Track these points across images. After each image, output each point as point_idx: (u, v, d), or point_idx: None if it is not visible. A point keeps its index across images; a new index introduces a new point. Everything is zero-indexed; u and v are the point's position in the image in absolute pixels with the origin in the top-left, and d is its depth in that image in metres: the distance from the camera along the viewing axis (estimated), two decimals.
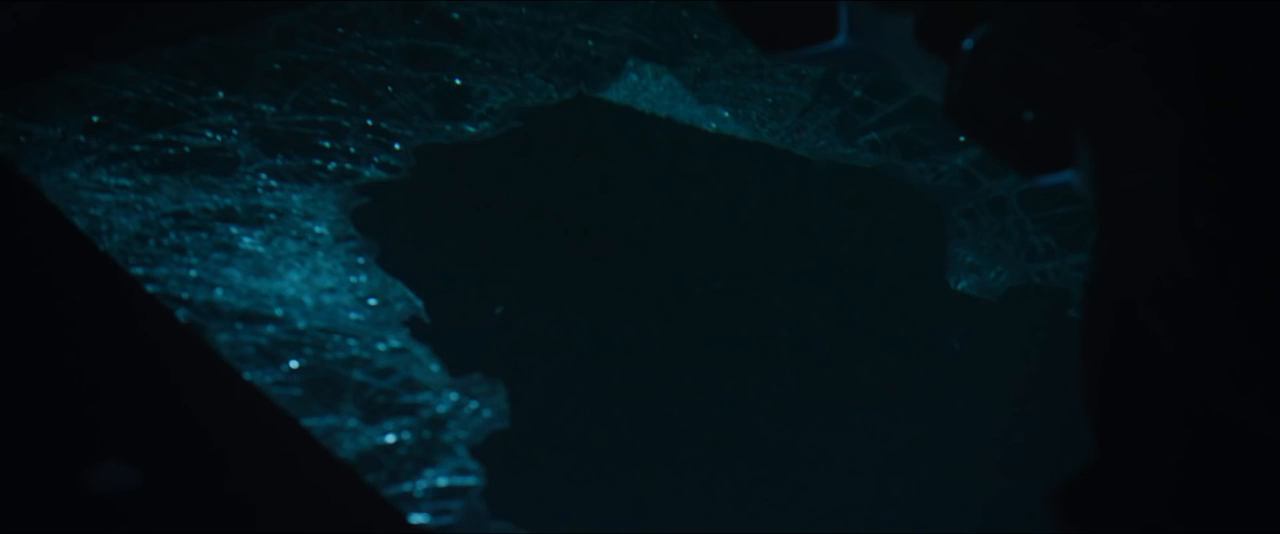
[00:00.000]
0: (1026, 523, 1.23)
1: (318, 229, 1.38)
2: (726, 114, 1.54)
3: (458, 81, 1.53)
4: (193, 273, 1.32)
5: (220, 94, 1.47)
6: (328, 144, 1.46)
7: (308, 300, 1.32)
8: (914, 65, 1.14)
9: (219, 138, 1.44)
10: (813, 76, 1.57)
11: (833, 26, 1.17)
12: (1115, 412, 0.97)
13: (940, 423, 1.33)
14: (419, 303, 1.34)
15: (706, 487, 1.26)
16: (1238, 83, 0.93)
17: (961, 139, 1.50)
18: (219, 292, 1.31)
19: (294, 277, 1.33)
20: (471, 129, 1.50)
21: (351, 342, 1.29)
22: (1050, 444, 1.32)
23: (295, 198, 1.40)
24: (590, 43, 1.58)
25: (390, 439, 1.22)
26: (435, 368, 1.28)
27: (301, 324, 1.30)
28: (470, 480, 1.20)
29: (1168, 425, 0.94)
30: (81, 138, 1.40)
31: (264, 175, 1.41)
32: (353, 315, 1.31)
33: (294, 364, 1.26)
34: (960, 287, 1.44)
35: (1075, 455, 1.06)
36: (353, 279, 1.35)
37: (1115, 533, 0.99)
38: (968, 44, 1.10)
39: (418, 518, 1.17)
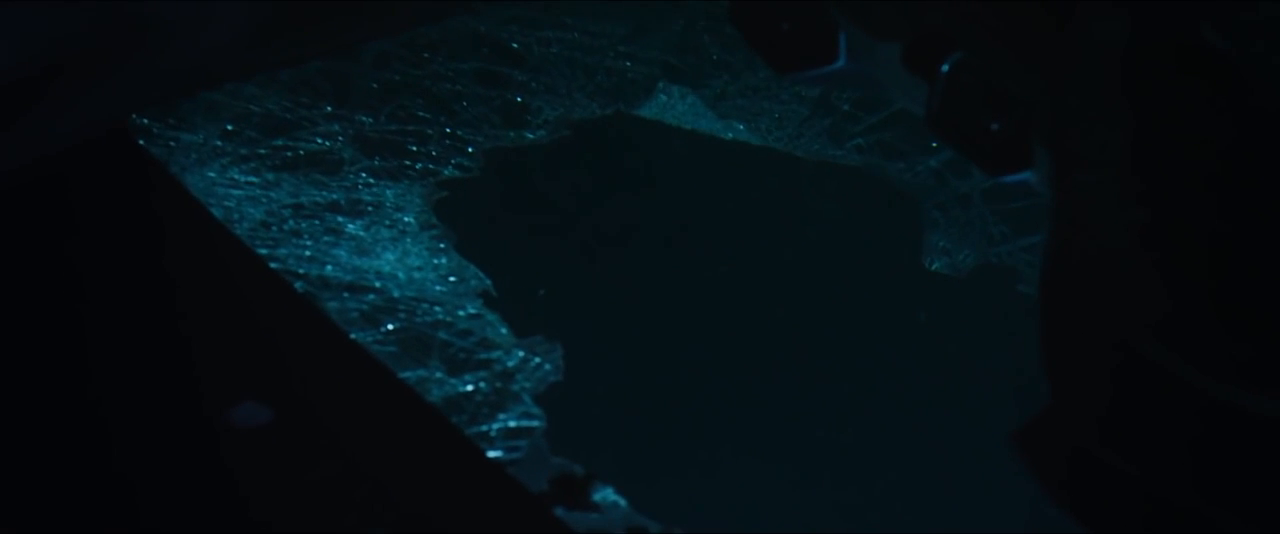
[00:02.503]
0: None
1: (406, 219, 1.40)
2: (742, 127, 1.55)
3: (519, 98, 1.54)
4: (307, 253, 1.34)
5: (328, 108, 1.48)
6: (414, 148, 1.47)
7: (401, 276, 1.33)
8: (900, 84, 1.16)
9: (327, 143, 1.45)
10: (810, 95, 1.58)
11: (834, 52, 1.19)
12: (1066, 363, 0.99)
13: (908, 389, 1.34)
14: (489, 281, 1.35)
15: (722, 452, 1.27)
16: (1161, 101, 0.95)
17: (934, 145, 1.51)
18: (329, 268, 1.32)
19: (389, 257, 1.35)
20: (530, 136, 1.52)
21: (437, 309, 1.31)
22: (1002, 397, 1.33)
23: (388, 193, 1.42)
24: (628, 64, 1.59)
25: (469, 388, 1.24)
26: (505, 331, 1.30)
27: (396, 294, 1.31)
28: (535, 423, 1.22)
29: (1108, 374, 0.96)
30: (218, 143, 1.41)
31: (363, 174, 1.43)
32: (437, 288, 1.33)
33: (390, 326, 1.28)
34: (934, 267, 1.45)
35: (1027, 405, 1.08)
36: (435, 261, 1.36)
37: (1063, 468, 1.01)
38: (945, 68, 1.13)
39: (493, 453, 1.19)
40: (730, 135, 1.56)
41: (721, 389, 1.31)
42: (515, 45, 1.59)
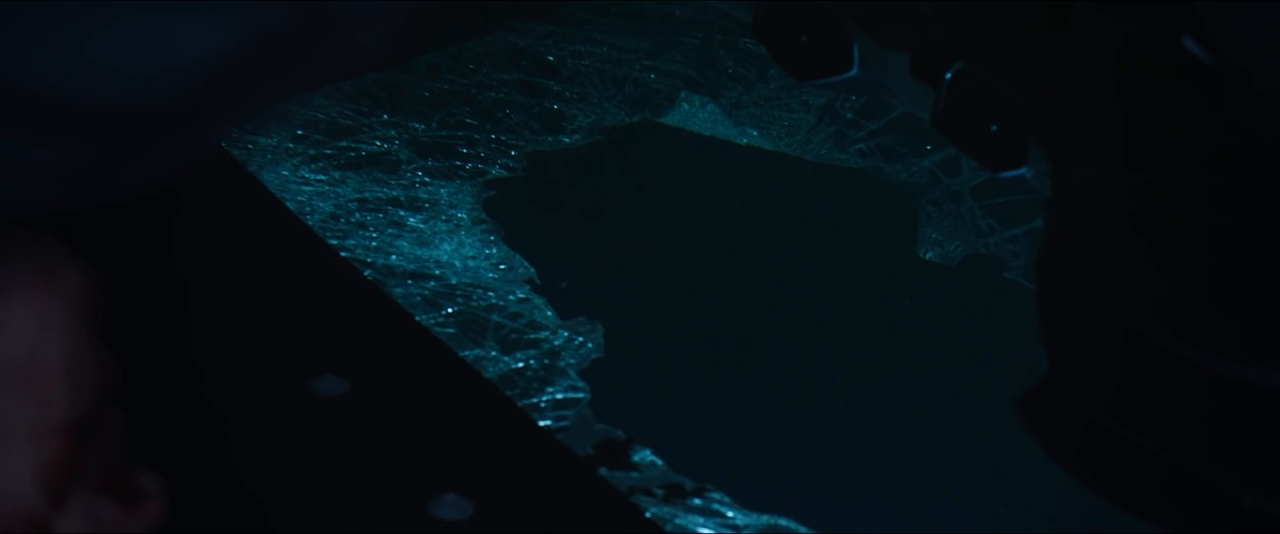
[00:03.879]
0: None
1: (459, 215, 1.42)
2: (755, 133, 1.57)
3: (555, 106, 1.56)
4: (373, 243, 1.35)
5: (385, 115, 1.50)
6: (464, 150, 1.49)
7: (457, 264, 1.35)
8: (908, 91, 1.18)
9: (385, 146, 1.47)
10: (816, 104, 1.60)
11: (848, 62, 1.20)
12: (1064, 338, 1.01)
13: (907, 364, 1.35)
14: (534, 270, 1.37)
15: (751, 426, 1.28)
16: (1149, 105, 0.97)
17: (928, 148, 1.53)
18: (393, 257, 1.34)
19: (446, 247, 1.37)
20: (567, 140, 1.53)
21: (490, 294, 1.32)
22: (990, 370, 1.35)
23: (442, 191, 1.44)
24: (652, 76, 1.61)
25: (520, 365, 1.26)
26: (550, 313, 1.32)
27: (454, 281, 1.33)
28: (579, 395, 1.24)
29: (1103, 347, 0.98)
30: (290, 145, 1.43)
31: (419, 174, 1.45)
32: (489, 275, 1.35)
33: (450, 309, 1.30)
34: (928, 256, 1.47)
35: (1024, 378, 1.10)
36: (487, 251, 1.38)
37: (1064, 431, 1.02)
38: (948, 75, 1.14)
39: (544, 422, 1.21)
40: (745, 140, 1.58)
41: (742, 362, 1.33)
42: (551, 58, 1.61)
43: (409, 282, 1.32)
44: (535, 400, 1.22)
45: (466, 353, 1.25)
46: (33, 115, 0.34)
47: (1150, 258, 0.93)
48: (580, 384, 1.24)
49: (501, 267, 1.36)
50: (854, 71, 1.19)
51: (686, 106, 1.59)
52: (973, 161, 1.16)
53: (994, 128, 1.12)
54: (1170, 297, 0.93)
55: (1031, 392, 1.01)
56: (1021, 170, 1.13)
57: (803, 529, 1.16)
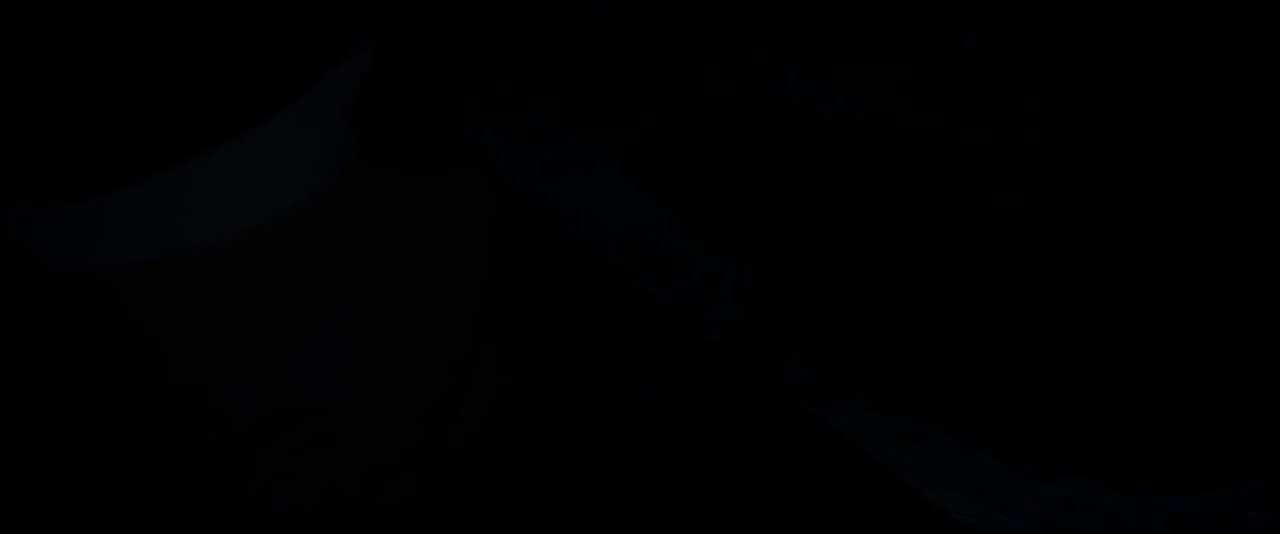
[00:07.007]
0: None
1: (609, 171, 1.54)
2: (848, 103, 1.68)
3: None
4: (544, 192, 1.47)
5: None
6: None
7: (613, 209, 1.48)
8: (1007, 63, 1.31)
9: (543, 114, 1.59)
10: (903, 77, 1.70)
11: (963, 38, 1.33)
12: (1152, 266, 1.13)
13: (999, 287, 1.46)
14: (673, 214, 1.49)
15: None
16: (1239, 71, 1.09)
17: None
18: (562, 204, 1.46)
19: (602, 198, 1.49)
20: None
21: (649, 234, 1.45)
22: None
23: (591, 150, 1.55)
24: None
25: (681, 291, 1.38)
26: (701, 252, 1.44)
27: (612, 224, 1.45)
28: (737, 315, 1.36)
29: (1194, 273, 1.10)
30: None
31: (571, 139, 1.57)
32: (642, 219, 1.47)
33: (614, 246, 1.42)
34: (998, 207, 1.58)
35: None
36: (635, 199, 1.50)
37: (1162, 348, 1.13)
38: (1050, 49, 1.28)
39: (711, 337, 1.33)
40: (838, 110, 1.69)
41: (858, 289, 1.44)
42: None
43: (576, 224, 1.44)
44: (699, 318, 1.34)
45: (636, 276, 1.37)
46: None
47: (1236, 196, 1.06)
48: (736, 306, 1.37)
49: (651, 213, 1.48)
50: (969, 46, 1.32)
51: (789, 80, 1.71)
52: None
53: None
54: (1257, 228, 1.05)
55: (1124, 306, 1.13)
56: (1114, 130, 1.26)
57: (930, 430, 1.29)
